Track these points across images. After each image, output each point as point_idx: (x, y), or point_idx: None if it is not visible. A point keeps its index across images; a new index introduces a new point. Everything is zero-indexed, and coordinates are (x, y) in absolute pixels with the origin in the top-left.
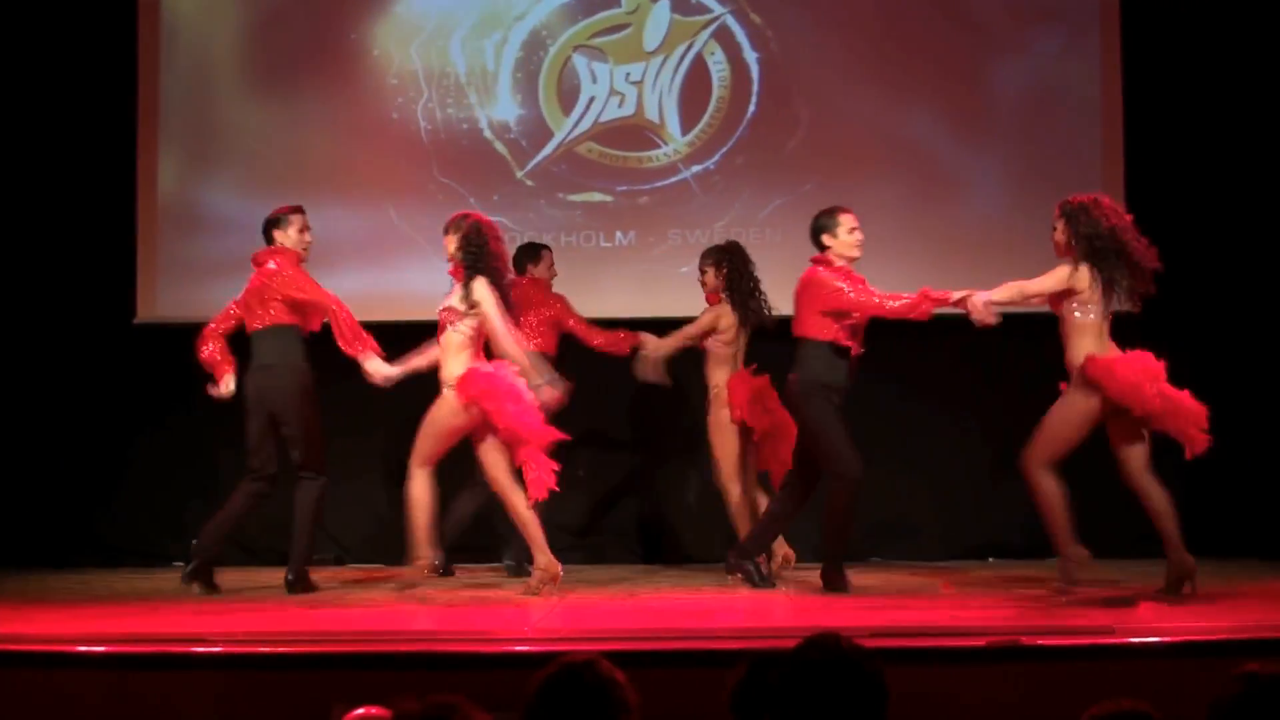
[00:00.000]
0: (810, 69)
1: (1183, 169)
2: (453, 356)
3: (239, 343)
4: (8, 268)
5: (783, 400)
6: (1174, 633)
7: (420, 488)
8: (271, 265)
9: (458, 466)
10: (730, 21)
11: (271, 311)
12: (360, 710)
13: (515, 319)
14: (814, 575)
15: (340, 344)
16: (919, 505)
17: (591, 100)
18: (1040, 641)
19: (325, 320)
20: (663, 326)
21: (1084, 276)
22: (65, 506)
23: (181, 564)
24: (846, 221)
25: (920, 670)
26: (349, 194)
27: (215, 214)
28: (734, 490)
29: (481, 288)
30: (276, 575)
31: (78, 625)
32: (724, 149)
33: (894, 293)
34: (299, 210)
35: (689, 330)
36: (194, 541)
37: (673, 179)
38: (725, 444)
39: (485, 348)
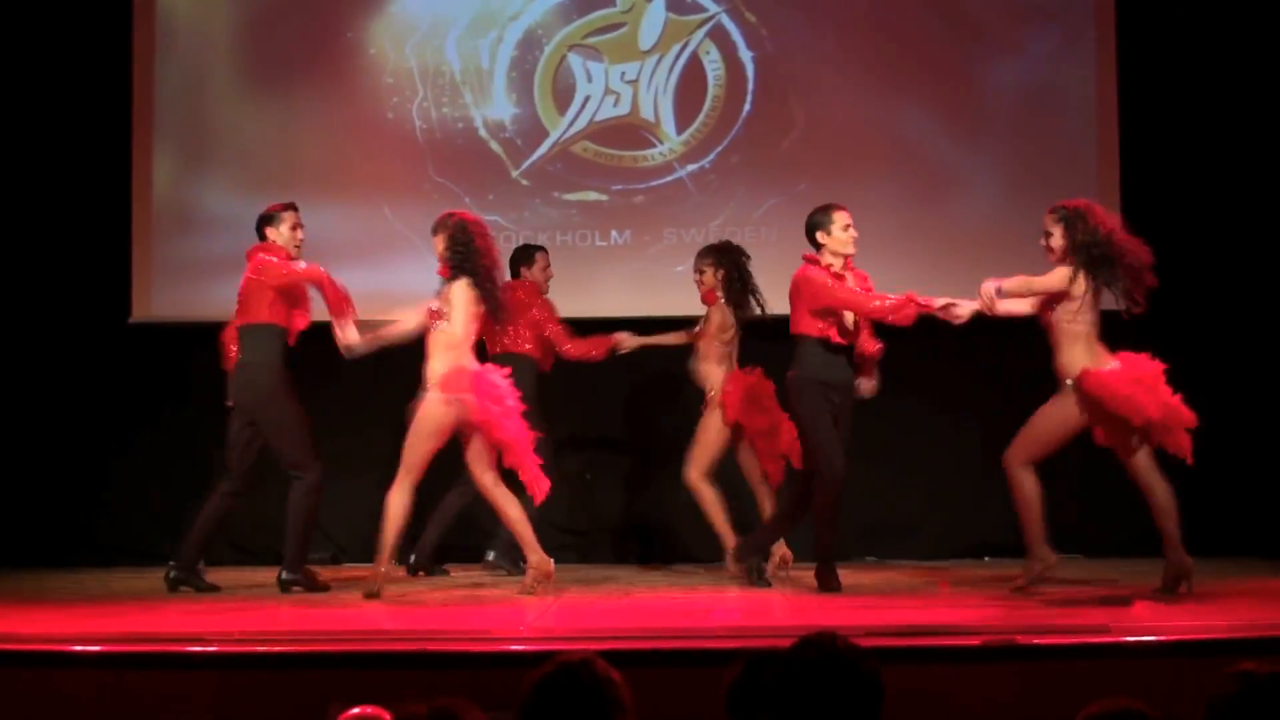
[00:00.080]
0: (805, 68)
1: (1178, 169)
2: (438, 355)
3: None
4: (3, 267)
5: (780, 397)
6: (1170, 632)
7: (399, 500)
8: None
9: (454, 467)
10: (725, 21)
11: (256, 308)
12: (356, 710)
13: (505, 322)
14: (811, 575)
15: (330, 313)
16: (915, 504)
17: (587, 99)
18: (1036, 640)
19: (314, 321)
20: (658, 326)
21: (1080, 283)
22: (61, 506)
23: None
24: (841, 219)
25: (916, 669)
26: (344, 193)
27: (210, 213)
28: (705, 490)
29: (459, 290)
30: (272, 575)
31: (73, 625)
32: (719, 148)
33: (881, 294)
34: (291, 207)
35: (706, 331)
36: (176, 554)
37: (668, 178)
38: (709, 444)
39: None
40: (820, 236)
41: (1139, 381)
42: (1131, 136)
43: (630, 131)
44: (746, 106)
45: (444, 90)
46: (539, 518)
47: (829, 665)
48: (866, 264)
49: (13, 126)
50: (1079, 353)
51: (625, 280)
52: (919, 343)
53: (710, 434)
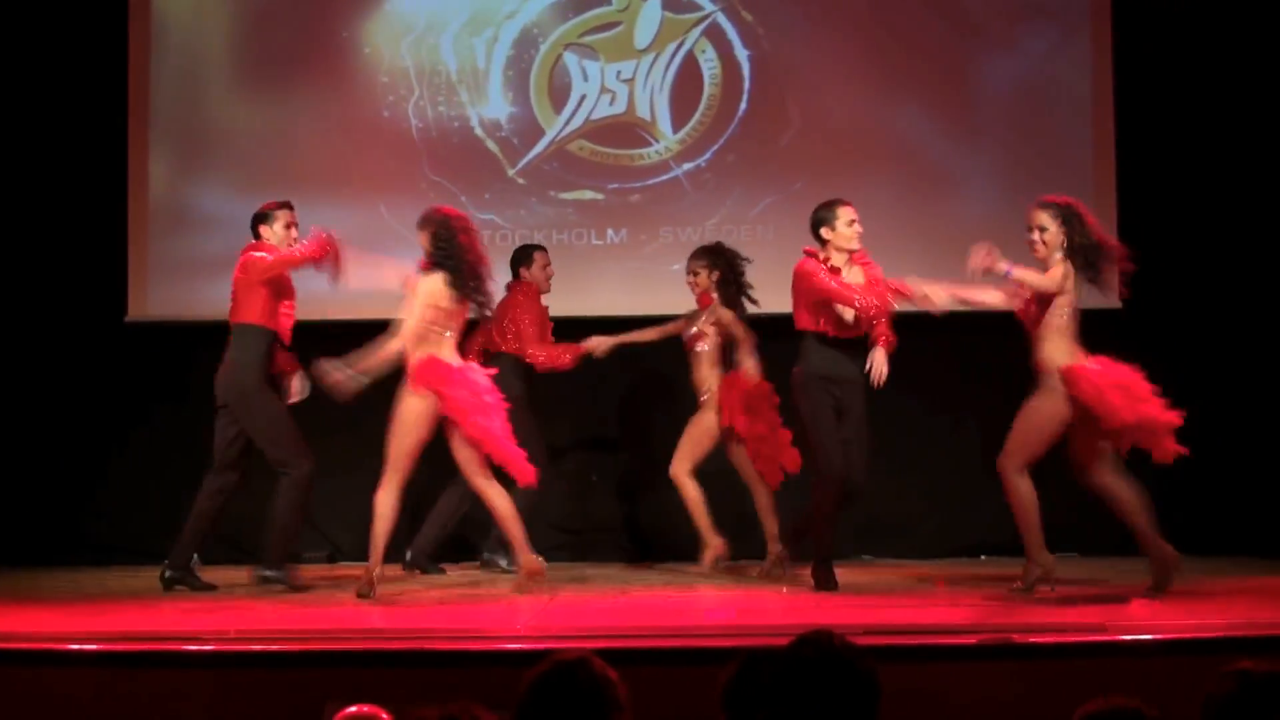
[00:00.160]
0: (801, 67)
1: (1173, 166)
2: (416, 349)
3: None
4: None
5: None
6: (1166, 630)
7: (387, 500)
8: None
9: (453, 465)
10: (721, 19)
11: (247, 307)
12: (353, 708)
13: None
14: (808, 574)
15: (323, 268)
16: (912, 503)
17: (583, 98)
18: (1032, 639)
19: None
20: (653, 324)
21: (1071, 280)
22: (56, 504)
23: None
24: (845, 214)
25: (913, 668)
26: (340, 192)
27: (206, 212)
28: (689, 486)
29: (425, 282)
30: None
31: (69, 623)
32: (715, 147)
33: (867, 289)
34: (286, 206)
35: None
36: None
37: (664, 177)
38: (698, 442)
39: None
40: (824, 232)
41: (1122, 386)
42: (1127, 134)
43: (626, 130)
44: (742, 105)
45: (440, 89)
46: (535, 516)
47: (826, 664)
48: None
49: (8, 125)
50: (1063, 349)
51: (621, 279)
52: (918, 342)
53: (701, 431)
